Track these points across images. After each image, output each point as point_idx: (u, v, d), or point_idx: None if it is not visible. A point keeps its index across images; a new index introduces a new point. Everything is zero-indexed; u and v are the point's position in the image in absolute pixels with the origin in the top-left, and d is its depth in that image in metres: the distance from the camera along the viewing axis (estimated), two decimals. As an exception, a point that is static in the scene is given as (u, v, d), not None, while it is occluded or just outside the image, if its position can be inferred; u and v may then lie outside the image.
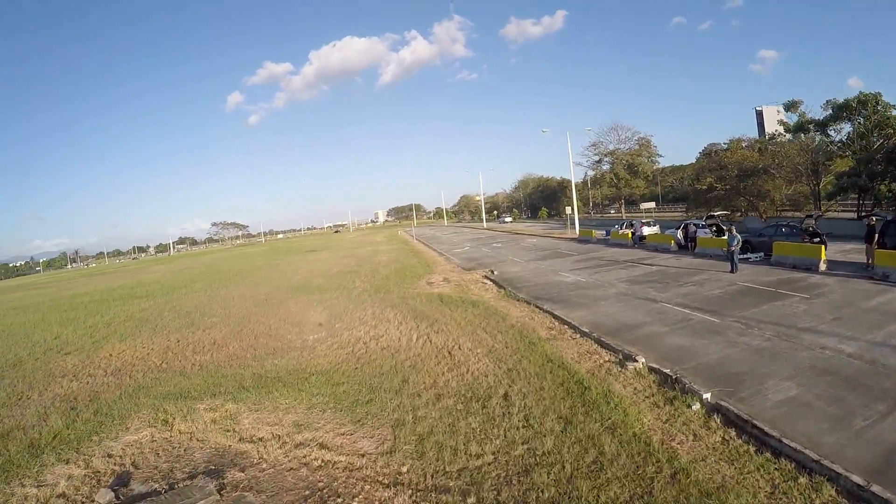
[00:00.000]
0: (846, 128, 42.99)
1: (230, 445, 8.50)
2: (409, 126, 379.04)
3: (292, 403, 9.99)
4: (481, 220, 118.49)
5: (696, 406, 8.56)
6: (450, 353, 12.28)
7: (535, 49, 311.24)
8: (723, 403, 8.50)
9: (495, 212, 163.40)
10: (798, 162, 45.32)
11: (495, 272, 28.44)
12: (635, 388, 9.44)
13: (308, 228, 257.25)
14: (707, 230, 31.94)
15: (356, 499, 6.60)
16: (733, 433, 7.65)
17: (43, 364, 15.86)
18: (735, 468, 6.71)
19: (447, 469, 7.09)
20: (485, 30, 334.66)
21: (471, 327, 14.71)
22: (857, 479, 6.19)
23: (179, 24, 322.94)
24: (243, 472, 7.55)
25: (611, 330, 13.94)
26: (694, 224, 33.65)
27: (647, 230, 39.11)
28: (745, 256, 24.33)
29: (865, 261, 19.52)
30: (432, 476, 6.97)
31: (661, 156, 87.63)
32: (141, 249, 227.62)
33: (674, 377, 9.64)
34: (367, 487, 6.84)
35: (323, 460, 7.68)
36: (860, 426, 7.64)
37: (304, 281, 31.70)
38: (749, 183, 47.37)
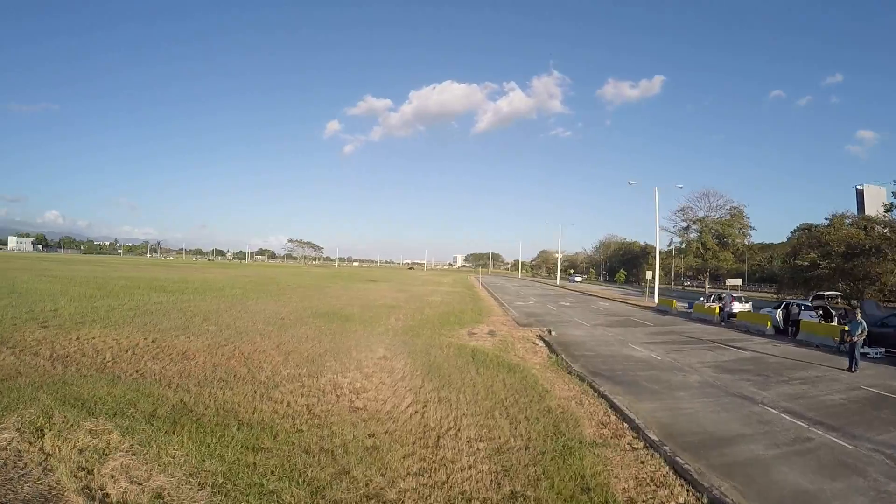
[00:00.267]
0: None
1: (64, 493, 5.62)
2: (498, 175, 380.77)
3: (178, 460, 6.53)
4: (556, 278, 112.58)
5: None
6: (438, 439, 8.19)
7: (631, 111, 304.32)
8: None
9: (570, 270, 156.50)
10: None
11: (552, 332, 23.90)
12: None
13: (386, 262, 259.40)
14: (812, 313, 25.92)
15: None
16: None
17: (12, 332, 14.32)
18: None
19: None
20: (582, 88, 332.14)
21: (490, 402, 10.50)
22: None
23: (292, 50, 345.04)
24: None
25: (692, 442, 9.24)
26: (797, 304, 27.73)
27: (737, 306, 33.15)
28: (863, 351, 18.69)
29: None
30: None
31: (753, 228, 79.04)
32: (220, 252, 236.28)
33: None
34: None
35: None
36: None
37: (338, 308, 28.51)
38: (857, 263, 39.97)
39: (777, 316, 27.78)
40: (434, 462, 7.26)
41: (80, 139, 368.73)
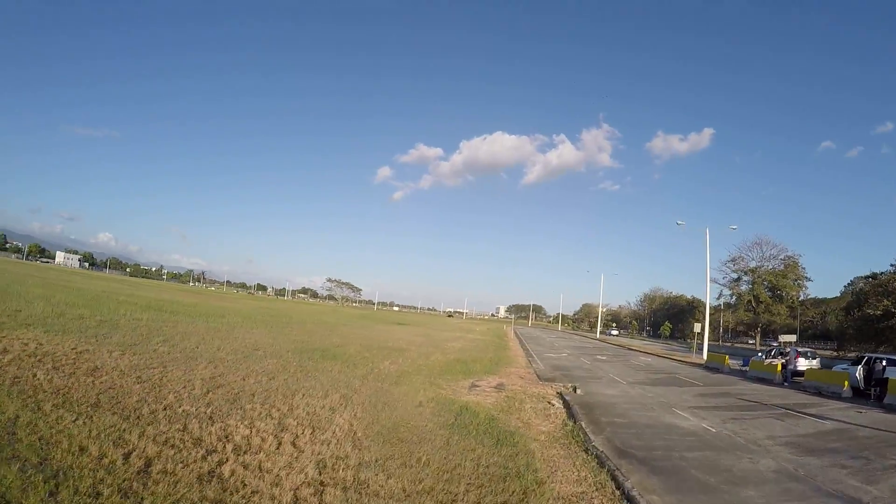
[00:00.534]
0: None
1: None
2: (544, 227, 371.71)
3: None
4: (597, 331, 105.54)
5: None
6: None
7: (680, 165, 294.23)
8: None
9: (613, 324, 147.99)
10: None
11: (578, 390, 19.26)
12: None
13: (428, 308, 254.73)
14: (902, 369, 20.62)
15: None
16: None
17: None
18: None
19: None
20: (632, 141, 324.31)
21: (437, 500, 6.41)
22: None
23: (349, 96, 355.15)
24: None
25: None
26: (883, 360, 22.36)
27: (803, 363, 27.71)
28: None
29: None
30: None
31: (809, 280, 71.26)
32: (261, 287, 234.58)
33: None
34: None
35: None
36: None
37: (334, 345, 24.69)
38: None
39: (857, 374, 22.33)
40: None
41: (136, 166, 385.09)
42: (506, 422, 11.86)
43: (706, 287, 46.39)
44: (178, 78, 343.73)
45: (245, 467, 6.54)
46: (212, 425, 8.12)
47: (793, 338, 67.47)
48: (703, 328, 41.30)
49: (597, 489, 7.81)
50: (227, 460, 6.66)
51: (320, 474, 6.71)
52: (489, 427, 10.87)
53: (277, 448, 7.52)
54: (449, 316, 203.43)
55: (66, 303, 24.55)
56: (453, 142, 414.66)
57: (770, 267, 69.69)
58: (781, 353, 29.67)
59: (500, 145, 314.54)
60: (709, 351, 40.54)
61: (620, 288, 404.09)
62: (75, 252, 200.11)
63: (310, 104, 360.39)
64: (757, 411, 17.51)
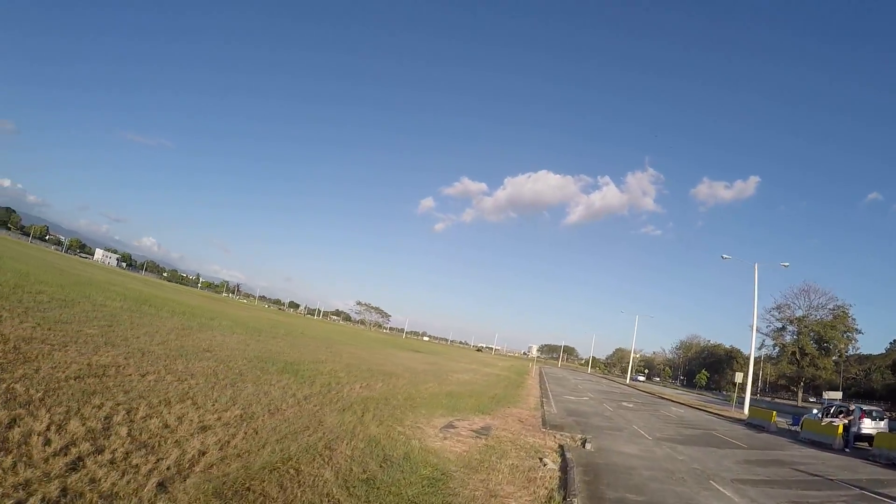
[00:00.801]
0: None
1: None
2: (582, 268, 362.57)
3: None
4: (628, 377, 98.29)
5: None
6: None
7: (724, 213, 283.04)
8: None
9: (645, 370, 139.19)
10: None
11: (587, 444, 15.07)
12: None
13: (461, 342, 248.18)
14: None
15: None
16: None
17: None
18: None
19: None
20: (676, 186, 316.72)
21: None
22: None
23: (398, 127, 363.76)
24: None
25: None
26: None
27: (869, 425, 22.54)
28: None
29: None
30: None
31: (860, 332, 63.79)
32: (294, 305, 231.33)
33: None
34: None
35: None
36: None
37: (313, 361, 21.39)
38: None
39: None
40: None
41: (185, 177, 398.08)
42: (458, 487, 8.04)
43: (752, 331, 40.95)
44: (237, 97, 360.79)
45: None
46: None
47: (838, 395, 60.07)
48: (745, 378, 35.80)
49: None
50: None
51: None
52: (422, 494, 7.10)
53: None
54: (478, 350, 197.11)
55: (41, 281, 22.85)
56: (498, 177, 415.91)
57: (818, 317, 62.83)
58: (844, 412, 24.42)
59: (544, 184, 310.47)
60: (751, 405, 35.01)
61: (656, 335, 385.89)
62: (115, 251, 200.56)
63: (361, 134, 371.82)
64: (822, 490, 12.98)
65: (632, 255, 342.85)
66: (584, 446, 14.95)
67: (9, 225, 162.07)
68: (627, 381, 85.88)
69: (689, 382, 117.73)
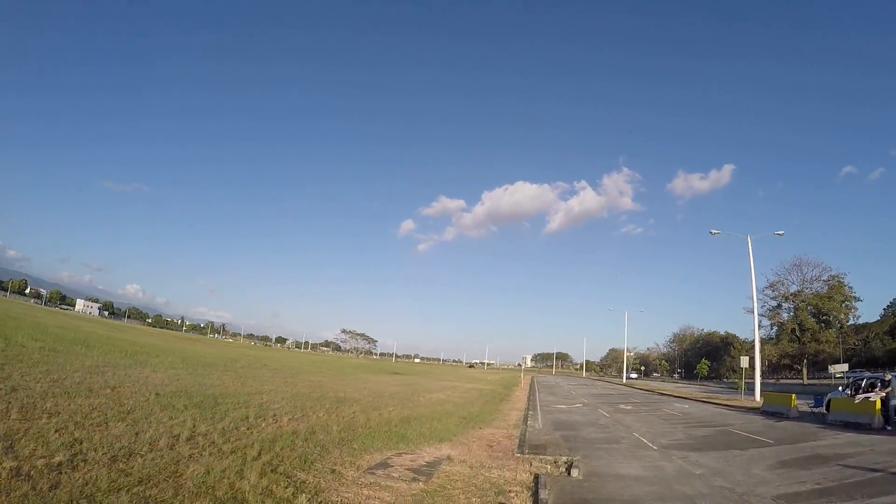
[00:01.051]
0: None
1: None
2: (569, 274, 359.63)
3: None
4: (623, 376, 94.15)
5: None
6: None
7: (702, 203, 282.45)
8: None
9: (641, 368, 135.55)
10: None
11: (574, 471, 10.99)
12: None
13: (454, 360, 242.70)
14: None
15: None
16: None
17: None
18: None
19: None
20: (652, 183, 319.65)
21: None
22: None
23: (370, 152, 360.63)
24: None
25: None
26: None
27: (911, 398, 18.87)
28: None
29: None
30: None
31: (858, 299, 60.98)
32: (281, 340, 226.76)
33: None
34: None
35: None
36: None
37: (250, 392, 16.77)
38: None
39: None
40: None
41: (163, 221, 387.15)
42: None
43: (753, 308, 37.54)
44: (208, 138, 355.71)
45: None
46: None
47: (844, 367, 56.83)
48: (753, 362, 32.03)
49: None
50: None
51: None
52: None
53: None
54: (470, 367, 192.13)
55: None
56: (475, 193, 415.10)
57: (814, 289, 59.84)
58: (879, 384, 20.66)
59: (521, 194, 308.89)
60: (763, 390, 31.22)
61: (649, 331, 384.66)
62: (96, 300, 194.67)
63: (334, 162, 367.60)
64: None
65: (616, 256, 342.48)
66: (568, 473, 10.91)
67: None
68: (623, 380, 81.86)
69: (688, 374, 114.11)
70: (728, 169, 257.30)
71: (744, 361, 32.36)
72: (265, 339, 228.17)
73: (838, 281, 60.49)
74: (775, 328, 64.16)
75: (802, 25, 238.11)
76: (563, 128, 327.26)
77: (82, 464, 7.37)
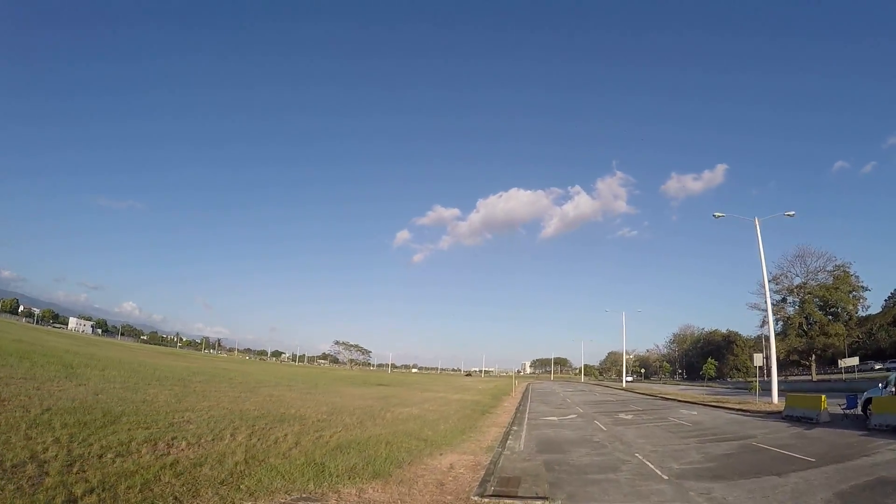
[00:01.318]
0: None
1: None
2: (565, 279, 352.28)
3: None
4: (623, 380, 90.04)
5: None
6: None
7: (696, 204, 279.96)
8: None
9: (641, 370, 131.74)
10: None
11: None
12: None
13: (454, 369, 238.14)
14: None
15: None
16: None
17: None
18: None
19: None
20: (646, 185, 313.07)
21: None
22: None
23: (364, 162, 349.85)
24: None
25: None
26: None
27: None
28: None
29: None
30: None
31: (867, 289, 57.64)
32: (276, 354, 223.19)
33: None
34: None
35: None
36: None
37: (179, 409, 12.91)
38: None
39: None
40: None
41: (158, 237, 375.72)
42: None
43: (766, 297, 33.83)
44: (201, 149, 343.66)
45: None
46: None
47: (854, 360, 53.56)
48: (769, 360, 28.27)
49: None
50: None
51: None
52: None
53: None
54: (467, 375, 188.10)
55: None
56: (469, 201, 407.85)
57: (819, 281, 56.40)
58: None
59: (516, 201, 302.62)
60: (781, 391, 27.46)
61: (649, 332, 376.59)
62: (89, 319, 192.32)
63: (329, 180, 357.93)
64: None
65: (612, 259, 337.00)
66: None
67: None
68: (623, 384, 77.84)
69: (690, 375, 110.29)
70: (721, 169, 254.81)
71: (757, 359, 28.60)
72: (262, 353, 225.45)
73: (844, 271, 57.19)
74: (781, 323, 60.49)
75: (792, 31, 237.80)
76: (555, 133, 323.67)
77: None
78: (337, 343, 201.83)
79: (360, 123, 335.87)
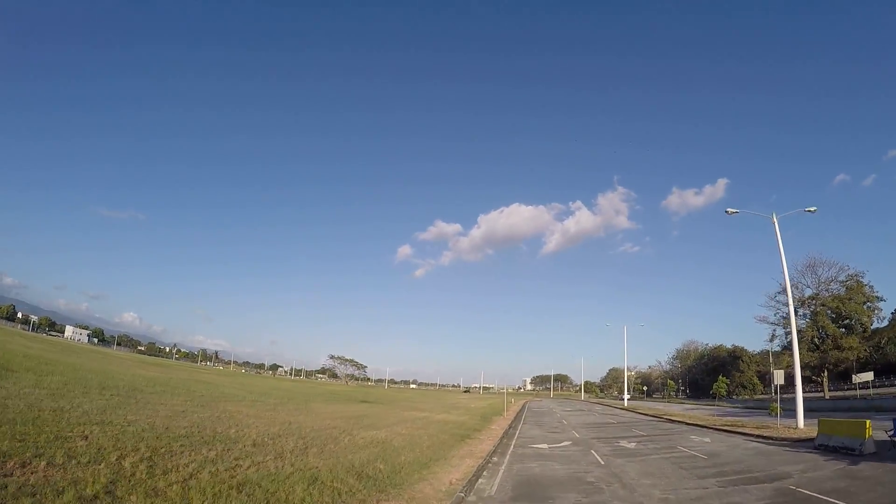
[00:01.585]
0: None
1: None
2: (566, 295, 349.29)
3: None
4: (624, 399, 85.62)
5: None
6: None
7: (698, 219, 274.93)
8: None
9: (644, 388, 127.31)
10: None
11: None
12: None
13: (453, 385, 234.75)
14: None
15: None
16: None
17: None
18: None
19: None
20: (647, 201, 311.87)
21: None
22: None
23: (366, 178, 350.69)
24: None
25: None
26: None
27: None
28: None
29: None
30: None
31: (882, 299, 54.15)
32: (273, 367, 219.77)
33: None
34: None
35: None
36: None
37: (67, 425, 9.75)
38: None
39: None
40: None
41: (160, 248, 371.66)
42: None
43: (789, 302, 30.29)
44: (204, 164, 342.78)
45: None
46: None
47: (869, 376, 49.85)
48: (796, 376, 24.57)
49: None
50: None
51: None
52: None
53: None
54: (466, 391, 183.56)
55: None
56: (471, 217, 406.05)
57: (831, 291, 52.95)
58: None
59: (517, 217, 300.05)
60: (809, 413, 23.74)
61: (651, 349, 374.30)
62: (86, 327, 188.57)
63: (331, 199, 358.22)
64: None
65: (614, 275, 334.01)
66: None
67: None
68: (625, 403, 73.58)
69: (694, 393, 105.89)
70: (722, 183, 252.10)
71: (778, 377, 24.93)
72: (260, 366, 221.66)
73: (857, 281, 53.85)
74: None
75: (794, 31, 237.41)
76: (556, 149, 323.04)
77: None
78: (332, 357, 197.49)
79: (363, 139, 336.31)
